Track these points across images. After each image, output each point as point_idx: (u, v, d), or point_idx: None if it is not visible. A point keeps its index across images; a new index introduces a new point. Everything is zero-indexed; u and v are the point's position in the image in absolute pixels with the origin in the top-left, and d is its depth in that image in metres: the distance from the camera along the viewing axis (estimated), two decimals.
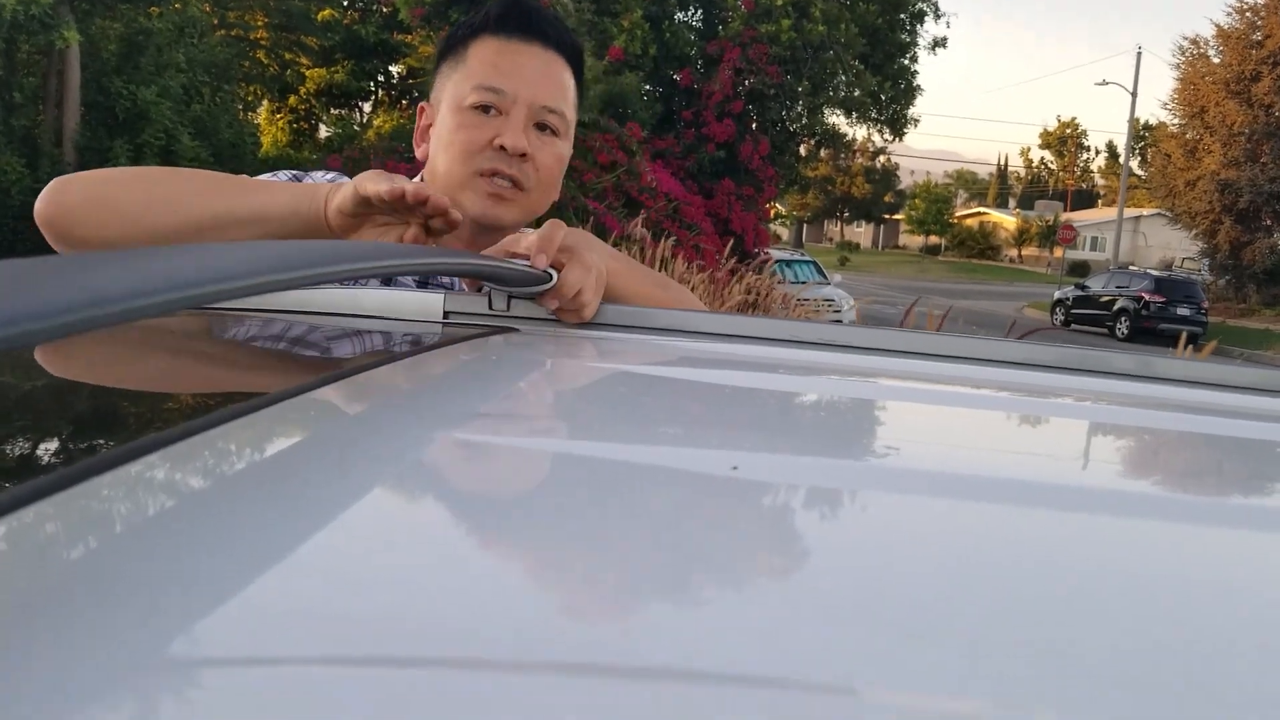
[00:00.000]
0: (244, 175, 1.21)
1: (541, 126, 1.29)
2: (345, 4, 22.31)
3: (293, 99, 24.46)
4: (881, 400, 0.83)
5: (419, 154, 1.37)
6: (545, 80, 1.29)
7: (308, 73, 23.74)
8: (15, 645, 0.27)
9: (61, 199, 1.09)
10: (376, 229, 1.05)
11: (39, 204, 1.09)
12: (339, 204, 1.03)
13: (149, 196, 1.08)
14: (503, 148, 1.25)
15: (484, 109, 1.26)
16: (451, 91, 1.29)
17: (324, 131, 24.66)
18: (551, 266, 1.00)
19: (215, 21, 20.07)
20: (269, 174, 1.27)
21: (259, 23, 22.23)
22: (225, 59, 18.33)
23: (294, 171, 1.30)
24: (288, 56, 23.36)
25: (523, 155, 1.26)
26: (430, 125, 1.35)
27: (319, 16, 22.02)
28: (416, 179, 1.37)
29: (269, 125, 24.89)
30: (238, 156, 17.30)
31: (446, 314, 1.00)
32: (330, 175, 1.31)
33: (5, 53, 15.42)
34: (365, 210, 1.03)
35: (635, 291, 1.20)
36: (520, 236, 1.09)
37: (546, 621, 0.31)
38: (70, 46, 14.90)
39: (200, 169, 1.22)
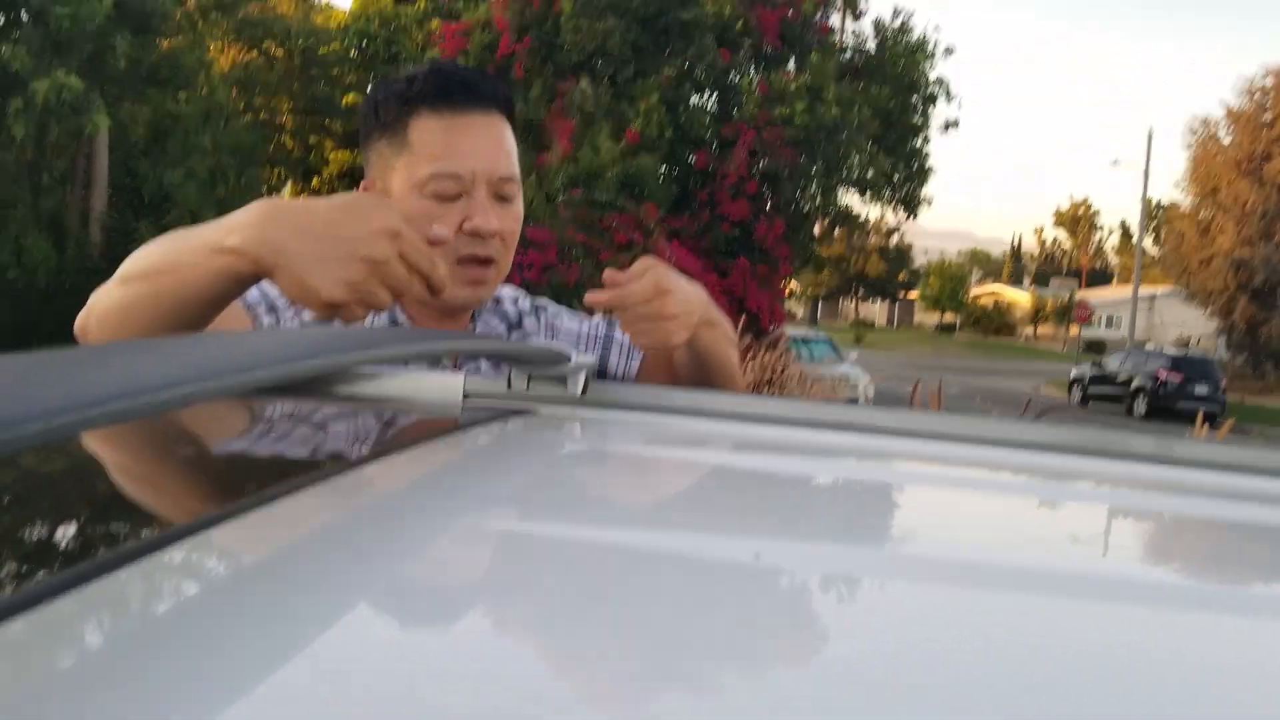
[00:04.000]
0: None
1: (499, 196, 1.28)
2: (369, 89, 22.79)
3: (316, 181, 24.90)
4: (903, 485, 0.83)
5: None
6: (498, 151, 1.28)
7: (331, 155, 24.20)
8: None
9: (89, 312, 1.01)
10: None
11: (77, 319, 1.02)
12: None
13: (116, 296, 0.97)
14: (475, 232, 1.24)
15: (446, 195, 1.24)
16: (403, 176, 1.25)
17: None
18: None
19: (242, 106, 20.53)
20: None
21: (285, 108, 22.73)
22: (251, 143, 18.72)
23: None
24: (312, 140, 23.84)
25: (494, 233, 1.26)
26: None
27: (343, 101, 22.51)
28: None
29: None
30: None
31: (466, 395, 1.01)
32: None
33: (36, 137, 15.78)
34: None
35: (715, 351, 1.29)
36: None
37: (567, 715, 0.31)
38: (100, 131, 15.24)
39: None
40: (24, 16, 14.69)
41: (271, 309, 1.21)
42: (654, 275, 1.14)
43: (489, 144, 1.27)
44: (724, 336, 1.31)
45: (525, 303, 1.50)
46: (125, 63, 15.22)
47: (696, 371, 1.32)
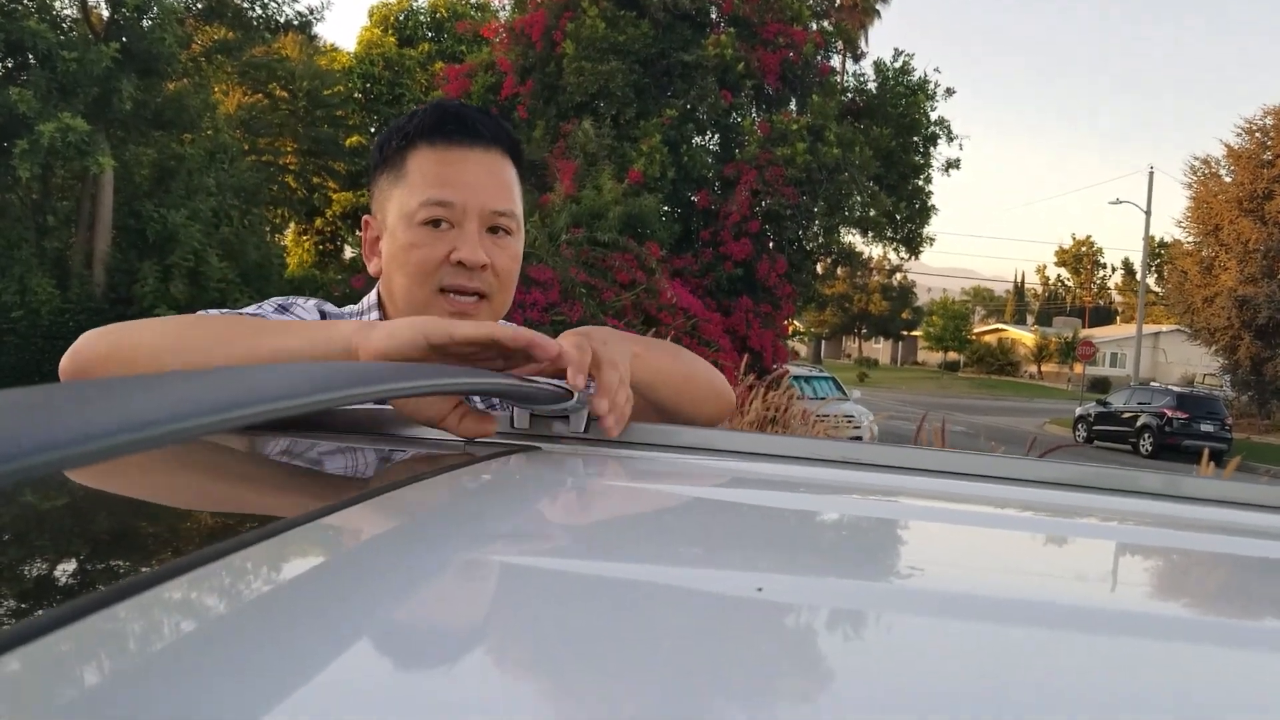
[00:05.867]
0: (259, 317, 1.16)
1: (494, 229, 1.28)
2: (372, 130, 23.01)
3: (319, 221, 25.02)
4: (906, 520, 0.82)
5: (371, 269, 1.35)
6: (491, 184, 1.27)
7: (334, 196, 24.35)
8: None
9: (81, 355, 1.03)
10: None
11: (63, 361, 1.04)
12: (388, 347, 0.91)
13: (162, 346, 1.01)
14: (461, 263, 1.23)
15: (434, 223, 1.24)
16: (398, 206, 1.27)
17: (349, 252, 25.11)
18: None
19: (246, 148, 20.69)
20: (253, 305, 1.26)
21: (288, 149, 22.91)
22: (254, 183, 18.85)
23: (279, 301, 1.29)
24: (315, 180, 24.02)
25: (482, 266, 1.25)
26: (378, 239, 1.32)
27: (347, 142, 22.68)
28: (371, 294, 1.36)
29: (295, 246, 25.39)
30: (264, 277, 17.64)
31: None
32: (312, 302, 1.32)
33: (41, 178, 15.91)
34: (427, 357, 0.91)
35: (656, 371, 1.18)
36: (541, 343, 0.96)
37: None
38: (105, 172, 15.37)
39: (219, 313, 1.15)
40: (31, 60, 14.86)
41: None
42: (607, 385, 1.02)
43: (483, 177, 1.27)
44: (654, 362, 1.19)
45: None
46: (130, 105, 15.37)
47: (658, 405, 1.22)
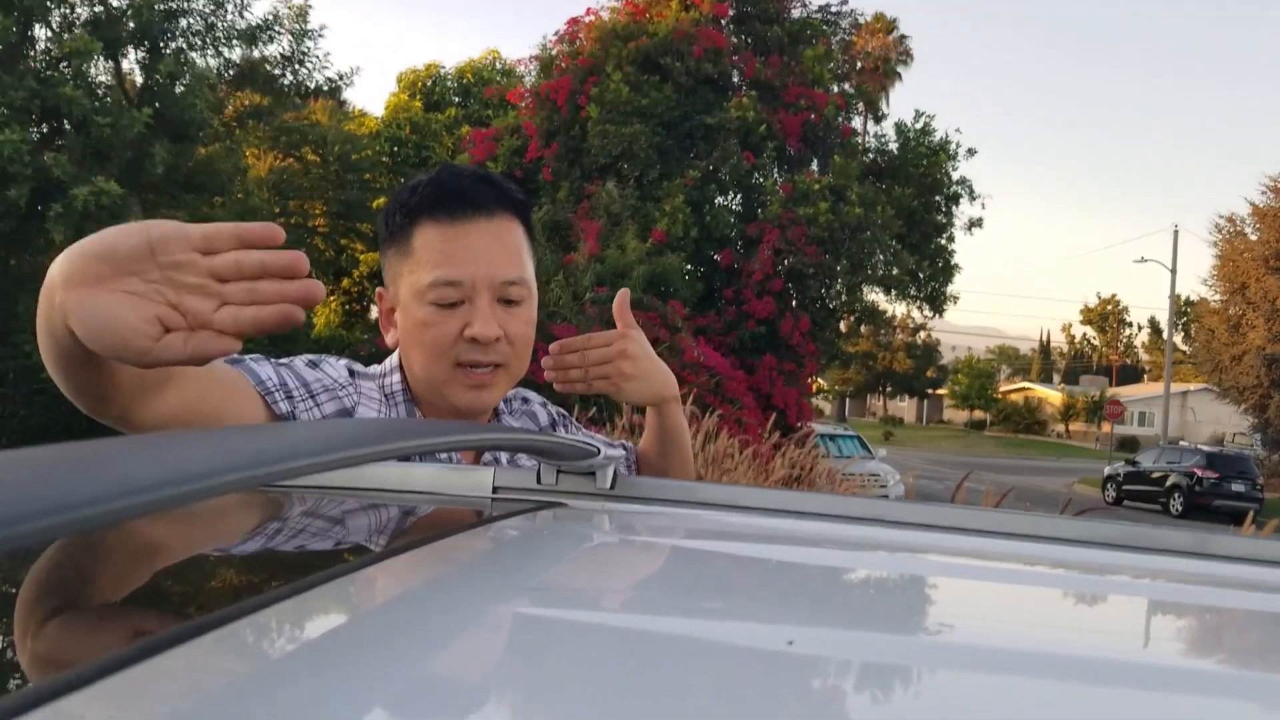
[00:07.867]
0: (290, 369, 1.23)
1: (505, 300, 1.26)
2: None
3: (346, 281, 25.24)
4: (936, 577, 0.82)
5: (388, 340, 1.34)
6: (499, 255, 1.25)
7: (361, 257, 24.58)
8: None
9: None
10: (126, 294, 0.84)
11: None
12: (81, 266, 0.87)
13: None
14: (474, 339, 1.23)
15: (446, 302, 1.23)
16: (408, 283, 1.26)
17: (374, 313, 25.24)
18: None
19: (276, 210, 20.96)
20: (285, 359, 1.27)
21: (318, 211, 23.23)
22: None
23: (309, 357, 1.30)
24: (343, 242, 24.28)
25: (496, 339, 1.24)
26: (393, 310, 1.31)
27: (374, 204, 22.97)
28: (394, 356, 1.35)
29: (322, 307, 25.57)
30: (290, 337, 17.73)
31: (496, 489, 1.01)
32: (342, 361, 1.33)
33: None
34: (118, 271, 0.85)
35: (670, 429, 1.45)
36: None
37: None
38: None
39: None
40: (67, 125, 15.18)
41: (289, 396, 1.21)
42: (622, 334, 1.39)
43: (490, 249, 1.25)
44: (683, 420, 1.48)
45: (554, 410, 1.52)
46: (163, 169, 15.64)
47: (661, 451, 1.46)
